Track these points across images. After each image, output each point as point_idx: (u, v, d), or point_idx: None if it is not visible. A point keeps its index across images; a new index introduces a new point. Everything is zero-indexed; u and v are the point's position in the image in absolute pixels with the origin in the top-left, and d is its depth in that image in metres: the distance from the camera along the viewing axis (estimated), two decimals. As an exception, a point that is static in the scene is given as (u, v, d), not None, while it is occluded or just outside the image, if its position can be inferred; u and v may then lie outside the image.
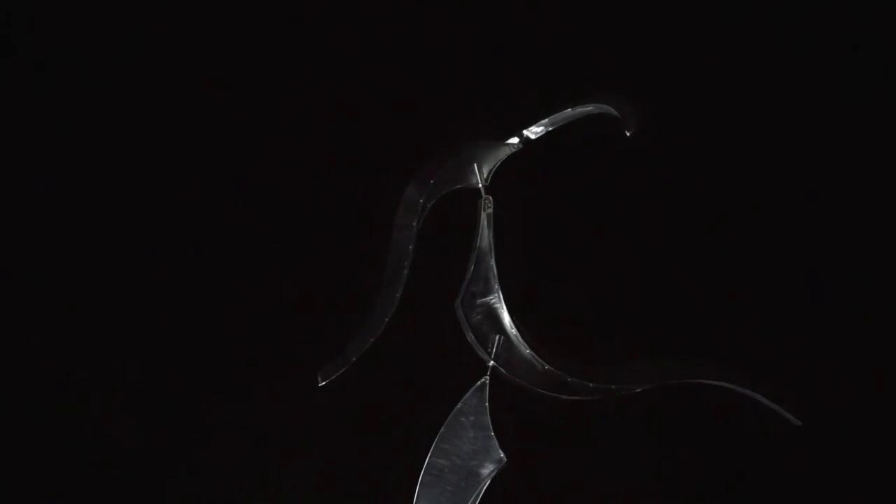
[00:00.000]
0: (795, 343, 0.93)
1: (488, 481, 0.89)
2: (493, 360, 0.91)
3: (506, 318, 0.92)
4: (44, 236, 0.96)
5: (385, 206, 0.93)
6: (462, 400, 0.90)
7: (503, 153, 0.95)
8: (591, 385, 0.90)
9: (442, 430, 0.89)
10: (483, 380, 0.91)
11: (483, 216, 0.93)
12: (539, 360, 0.91)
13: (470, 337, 0.92)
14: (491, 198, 0.94)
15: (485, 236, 0.93)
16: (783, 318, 0.93)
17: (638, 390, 0.90)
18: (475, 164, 0.94)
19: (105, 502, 0.90)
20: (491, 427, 0.89)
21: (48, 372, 0.93)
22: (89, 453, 0.91)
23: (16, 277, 0.95)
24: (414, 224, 0.93)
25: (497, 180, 0.95)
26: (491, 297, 0.92)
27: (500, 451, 0.89)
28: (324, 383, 0.90)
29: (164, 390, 0.92)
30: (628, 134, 0.93)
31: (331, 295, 0.94)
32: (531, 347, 0.91)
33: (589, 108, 0.95)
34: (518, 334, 0.92)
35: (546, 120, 0.95)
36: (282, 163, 0.97)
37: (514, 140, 0.95)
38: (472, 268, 0.92)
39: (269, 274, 0.95)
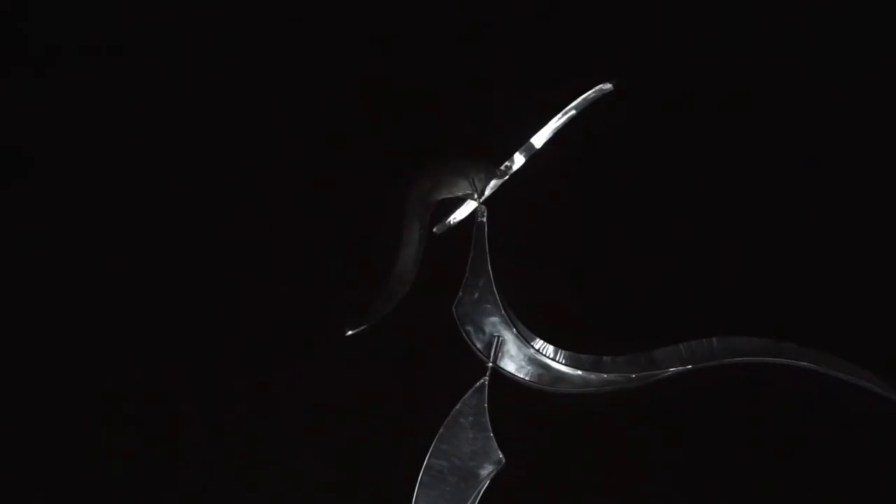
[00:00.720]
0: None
1: (487, 482, 0.88)
2: (493, 361, 0.92)
3: (505, 319, 0.93)
4: (43, 235, 0.99)
5: (397, 201, 0.97)
6: (461, 401, 0.90)
7: (494, 177, 0.98)
8: (606, 376, 0.91)
9: (441, 430, 0.89)
10: (482, 380, 0.91)
11: (477, 223, 0.96)
12: (545, 358, 0.92)
13: (469, 339, 0.93)
14: (485, 206, 0.97)
15: (480, 242, 0.95)
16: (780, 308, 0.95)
17: (661, 377, 0.91)
18: (471, 177, 0.98)
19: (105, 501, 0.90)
20: (490, 428, 0.89)
21: (47, 373, 0.94)
22: (88, 454, 0.91)
23: (16, 277, 0.97)
24: (420, 215, 0.96)
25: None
26: (488, 300, 0.94)
27: (500, 452, 0.89)
28: (350, 333, 0.92)
29: (161, 388, 0.93)
30: (611, 86, 0.97)
31: (331, 293, 0.96)
32: (533, 346, 0.93)
33: (571, 110, 0.99)
34: (519, 334, 0.93)
35: (532, 139, 0.98)
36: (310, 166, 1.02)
37: (503, 167, 0.98)
38: (469, 271, 0.94)
39: (270, 273, 0.97)
